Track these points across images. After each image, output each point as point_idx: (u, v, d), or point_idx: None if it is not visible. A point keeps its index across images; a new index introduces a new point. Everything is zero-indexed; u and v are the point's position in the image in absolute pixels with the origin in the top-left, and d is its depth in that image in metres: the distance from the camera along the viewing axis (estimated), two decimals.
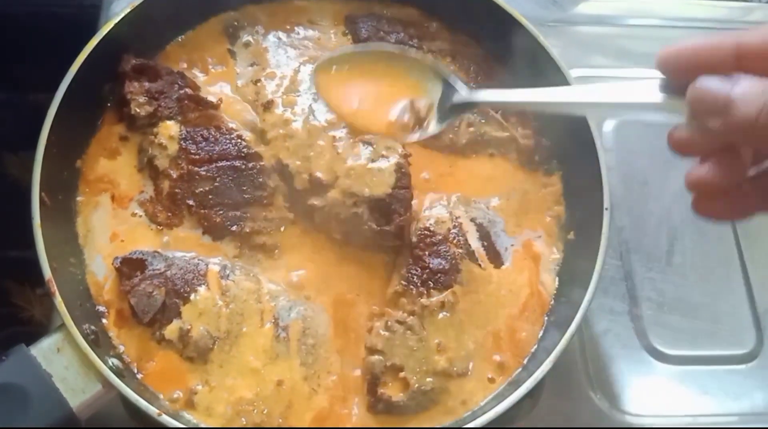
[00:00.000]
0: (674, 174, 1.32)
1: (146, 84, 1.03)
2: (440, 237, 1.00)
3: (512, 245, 1.06)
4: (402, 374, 0.91)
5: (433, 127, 0.94)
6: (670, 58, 0.56)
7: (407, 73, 0.94)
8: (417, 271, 0.98)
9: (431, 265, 0.98)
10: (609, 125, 1.34)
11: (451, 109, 0.91)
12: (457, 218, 1.04)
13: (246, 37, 1.12)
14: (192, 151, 1.00)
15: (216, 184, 0.99)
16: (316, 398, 0.93)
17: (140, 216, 1.00)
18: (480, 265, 1.01)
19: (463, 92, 0.90)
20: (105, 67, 1.02)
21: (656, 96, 0.60)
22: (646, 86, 0.61)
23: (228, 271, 0.96)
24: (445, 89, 0.92)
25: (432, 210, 1.05)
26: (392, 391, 0.92)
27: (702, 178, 0.59)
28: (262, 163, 1.01)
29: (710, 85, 0.53)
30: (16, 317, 1.46)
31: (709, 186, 0.60)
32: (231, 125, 1.04)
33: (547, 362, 0.89)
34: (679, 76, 0.57)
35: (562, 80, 1.05)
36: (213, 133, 1.02)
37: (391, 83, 0.95)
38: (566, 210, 1.08)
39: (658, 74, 0.60)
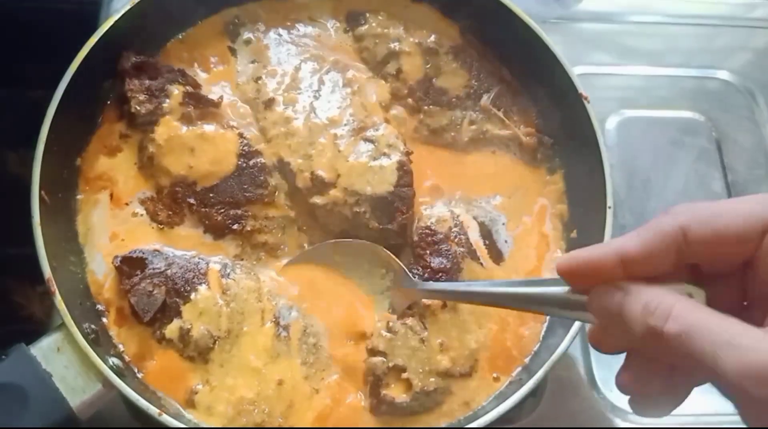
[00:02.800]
0: (676, 171, 1.32)
1: (146, 81, 1.02)
2: (441, 236, 1.00)
3: (514, 244, 1.06)
4: (405, 375, 0.91)
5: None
6: (567, 271, 0.58)
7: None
8: (418, 270, 0.97)
9: (432, 264, 0.97)
10: (611, 122, 1.34)
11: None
12: (458, 216, 1.03)
13: (247, 35, 1.12)
14: None
15: (217, 182, 0.98)
16: (318, 398, 0.92)
17: (141, 214, 0.99)
18: (481, 264, 1.01)
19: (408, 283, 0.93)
20: (105, 65, 1.02)
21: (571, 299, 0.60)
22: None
23: (228, 270, 0.96)
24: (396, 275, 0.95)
25: (433, 208, 1.04)
26: (395, 393, 0.91)
27: (628, 382, 0.60)
28: (263, 161, 1.00)
29: (602, 296, 0.56)
30: (15, 315, 1.45)
31: (637, 387, 0.60)
32: (232, 123, 1.03)
33: (549, 361, 0.89)
34: (579, 285, 0.59)
35: (565, 78, 1.05)
36: None
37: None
38: (569, 208, 1.08)
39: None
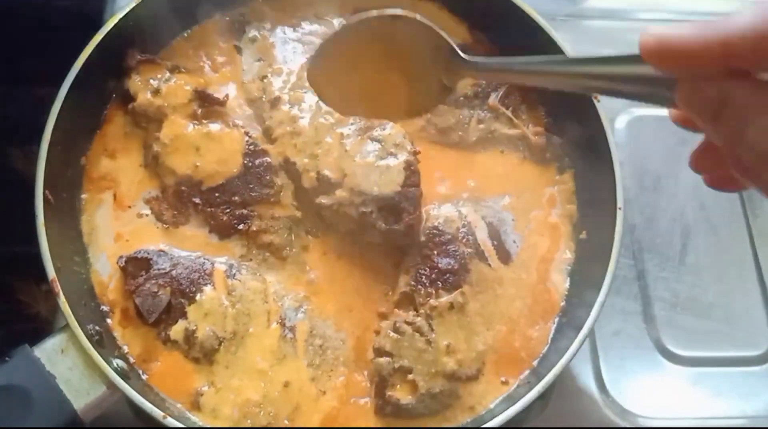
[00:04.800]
0: (687, 171, 1.27)
1: (151, 80, 1.01)
2: (449, 236, 0.99)
3: (523, 244, 1.05)
4: (410, 376, 0.90)
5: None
6: (655, 51, 0.51)
7: (401, 45, 0.82)
8: (425, 271, 0.96)
9: (440, 265, 0.96)
10: (621, 121, 1.32)
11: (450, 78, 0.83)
12: (466, 217, 1.02)
13: (252, 33, 1.11)
14: None
15: (222, 181, 0.98)
16: (324, 399, 0.92)
17: (146, 214, 0.99)
18: (490, 265, 1.00)
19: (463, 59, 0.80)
20: (110, 62, 1.01)
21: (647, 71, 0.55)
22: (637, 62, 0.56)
23: (234, 271, 0.95)
24: (445, 56, 0.81)
25: (441, 208, 1.03)
26: (400, 394, 0.90)
27: (699, 155, 0.59)
28: (269, 161, 0.99)
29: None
30: (20, 314, 1.45)
31: (708, 161, 0.59)
32: (238, 122, 1.02)
33: (559, 365, 0.88)
34: (664, 68, 0.53)
35: None
36: None
37: (388, 64, 0.85)
38: (578, 209, 1.07)
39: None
